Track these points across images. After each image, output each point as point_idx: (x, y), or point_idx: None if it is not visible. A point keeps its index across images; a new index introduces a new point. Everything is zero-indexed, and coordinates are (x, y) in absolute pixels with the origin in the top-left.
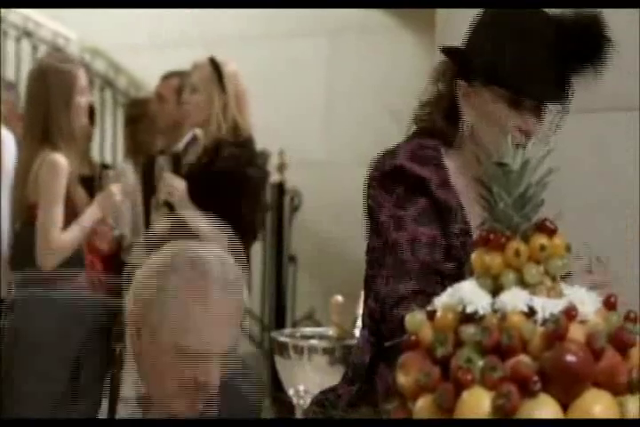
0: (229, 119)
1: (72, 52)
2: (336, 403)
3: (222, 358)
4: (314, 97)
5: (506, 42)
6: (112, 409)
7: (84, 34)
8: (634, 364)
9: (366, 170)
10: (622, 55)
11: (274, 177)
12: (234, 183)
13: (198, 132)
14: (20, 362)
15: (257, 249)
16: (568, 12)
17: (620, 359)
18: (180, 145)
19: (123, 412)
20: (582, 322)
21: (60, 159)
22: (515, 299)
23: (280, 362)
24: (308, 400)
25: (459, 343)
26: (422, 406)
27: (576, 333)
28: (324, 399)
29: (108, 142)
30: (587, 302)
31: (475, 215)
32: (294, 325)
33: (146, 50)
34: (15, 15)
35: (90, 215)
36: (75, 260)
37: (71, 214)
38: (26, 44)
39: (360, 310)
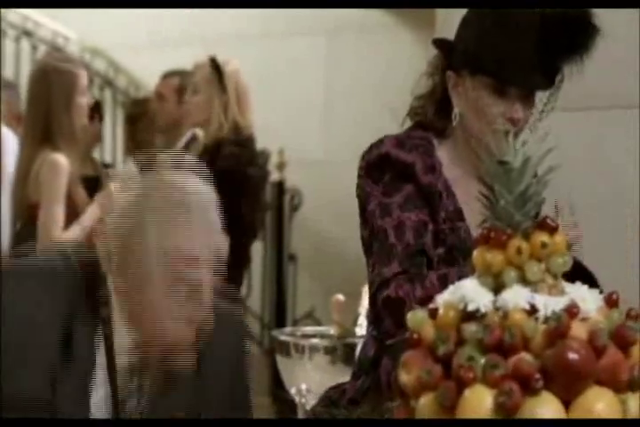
0: (230, 119)
1: (72, 52)
2: (339, 401)
3: (211, 264)
4: (312, 96)
5: (489, 30)
6: (112, 378)
7: (84, 33)
8: (635, 361)
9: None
10: (622, 54)
11: (273, 176)
12: (234, 182)
13: (198, 131)
14: (9, 333)
15: (257, 248)
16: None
17: (622, 357)
18: (180, 144)
19: (121, 362)
20: (584, 320)
21: (61, 159)
22: (516, 297)
23: (281, 361)
24: (310, 399)
25: (460, 341)
26: (424, 405)
27: (578, 330)
28: (328, 397)
29: (108, 141)
30: (588, 300)
31: (470, 206)
32: (294, 323)
33: (145, 49)
34: (14, 15)
35: (90, 215)
36: None
37: (72, 214)
38: (25, 44)
39: (361, 309)
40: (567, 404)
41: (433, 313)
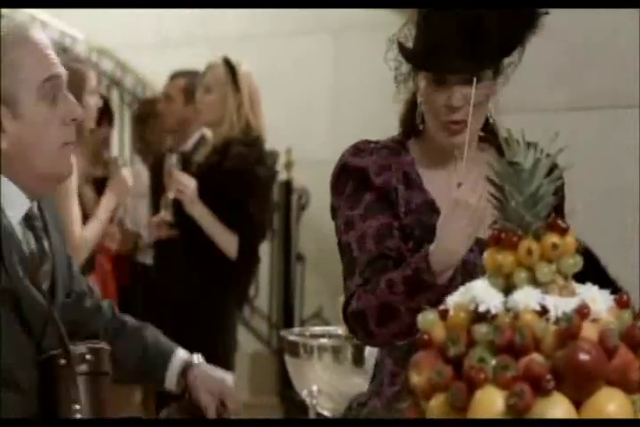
0: (242, 119)
1: (79, 52)
2: (352, 405)
3: None
4: (320, 96)
5: (419, 24)
6: None
7: (91, 33)
8: None
9: None
10: (625, 54)
11: (281, 176)
12: (243, 182)
13: (206, 131)
14: None
15: (264, 248)
16: None
17: (633, 357)
18: (189, 144)
19: None
20: (595, 320)
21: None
22: (527, 298)
23: (290, 361)
24: (321, 401)
25: (471, 342)
26: (435, 406)
27: (589, 331)
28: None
29: (115, 141)
30: (599, 300)
31: (444, 198)
32: (302, 323)
33: (152, 49)
34: (22, 15)
35: (105, 205)
36: (85, 260)
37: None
38: None
39: None
40: (578, 405)
41: (443, 314)
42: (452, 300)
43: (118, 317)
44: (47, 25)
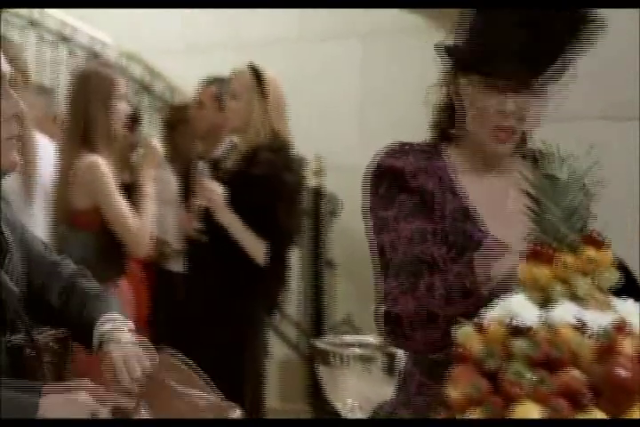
0: (269, 125)
1: (109, 57)
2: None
3: None
4: (347, 100)
5: (473, 26)
6: None
7: (120, 38)
8: None
9: None
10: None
11: (310, 182)
12: (270, 189)
13: (236, 138)
14: None
15: (295, 254)
16: None
17: None
18: (219, 151)
19: None
20: (631, 334)
21: (100, 159)
22: (564, 312)
23: (321, 369)
24: (357, 413)
25: (508, 356)
26: None
27: (625, 345)
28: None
29: None
30: (634, 314)
31: (483, 205)
32: (332, 329)
33: (181, 54)
34: (52, 20)
35: (147, 178)
36: (117, 266)
37: None
38: (63, 50)
39: None
40: None
41: (480, 328)
42: (489, 313)
43: (69, 276)
44: (77, 30)
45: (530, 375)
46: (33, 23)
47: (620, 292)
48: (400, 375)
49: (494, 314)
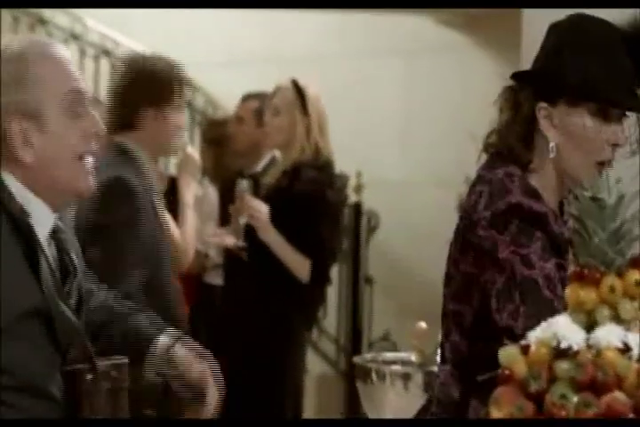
0: (312, 142)
1: None
2: None
3: None
4: (390, 116)
5: (581, 55)
6: None
7: (161, 51)
8: None
9: (446, 193)
10: None
11: (350, 198)
12: (315, 206)
13: (277, 153)
14: None
15: (334, 270)
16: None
17: None
18: (259, 167)
19: None
20: None
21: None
22: (609, 335)
23: (361, 386)
24: None
25: (553, 379)
26: None
27: None
28: None
29: None
30: None
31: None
32: (370, 346)
33: (222, 68)
34: (94, 34)
35: (185, 188)
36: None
37: None
38: (104, 63)
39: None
40: None
41: (525, 349)
42: (534, 335)
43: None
44: (118, 43)
45: (574, 398)
46: (75, 36)
47: None
48: (450, 402)
49: (539, 336)
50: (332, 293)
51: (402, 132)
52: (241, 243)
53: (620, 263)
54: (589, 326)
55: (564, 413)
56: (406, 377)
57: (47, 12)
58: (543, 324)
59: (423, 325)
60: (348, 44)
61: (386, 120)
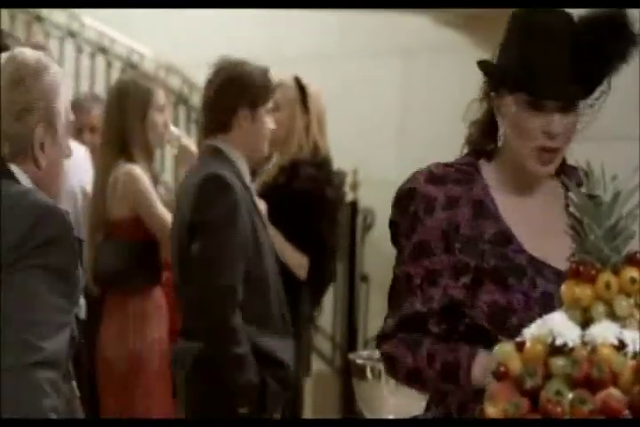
0: (310, 139)
1: (147, 69)
2: None
3: None
4: (387, 116)
5: (519, 44)
6: None
7: (159, 50)
8: None
9: None
10: None
11: (347, 196)
12: (313, 204)
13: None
14: None
15: None
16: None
17: None
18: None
19: None
20: None
21: (138, 169)
22: (605, 331)
23: (357, 384)
24: None
25: (548, 375)
26: None
27: None
28: None
29: None
30: None
31: (522, 226)
32: (366, 344)
33: None
34: (91, 31)
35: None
36: (152, 276)
37: None
38: (100, 61)
39: None
40: None
41: (520, 346)
42: (530, 332)
43: None
44: (115, 41)
45: (570, 394)
46: (72, 34)
47: None
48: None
49: (535, 333)
50: (328, 291)
51: (399, 131)
52: None
53: (616, 260)
54: (585, 323)
55: (559, 409)
56: None
57: (44, 10)
58: (539, 320)
59: None
60: (348, 44)
61: (384, 119)
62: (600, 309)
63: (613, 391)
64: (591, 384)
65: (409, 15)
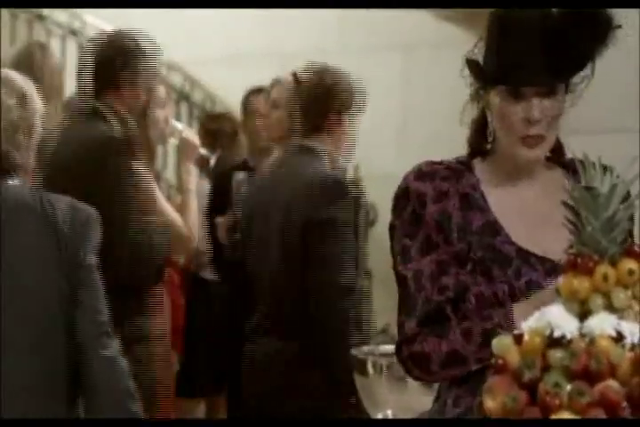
0: None
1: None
2: None
3: None
4: (388, 111)
5: (493, 38)
6: None
7: (160, 47)
8: None
9: None
10: None
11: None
12: None
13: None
14: None
15: None
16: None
17: None
18: (253, 160)
19: None
20: None
21: (140, 168)
22: (603, 323)
23: (358, 379)
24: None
25: (546, 367)
26: None
27: None
28: None
29: None
30: None
31: (509, 218)
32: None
33: (221, 64)
34: (92, 30)
35: (186, 173)
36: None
37: None
38: None
39: None
40: None
41: (518, 339)
42: (527, 324)
43: None
44: None
45: (568, 387)
46: (73, 32)
47: None
48: (440, 386)
49: (533, 325)
50: None
51: (400, 126)
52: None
53: (614, 252)
54: (583, 315)
55: (557, 401)
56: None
57: (46, 9)
58: (536, 313)
59: None
60: (347, 40)
61: (384, 114)
62: (598, 301)
63: (612, 383)
64: (589, 376)
65: (409, 10)
